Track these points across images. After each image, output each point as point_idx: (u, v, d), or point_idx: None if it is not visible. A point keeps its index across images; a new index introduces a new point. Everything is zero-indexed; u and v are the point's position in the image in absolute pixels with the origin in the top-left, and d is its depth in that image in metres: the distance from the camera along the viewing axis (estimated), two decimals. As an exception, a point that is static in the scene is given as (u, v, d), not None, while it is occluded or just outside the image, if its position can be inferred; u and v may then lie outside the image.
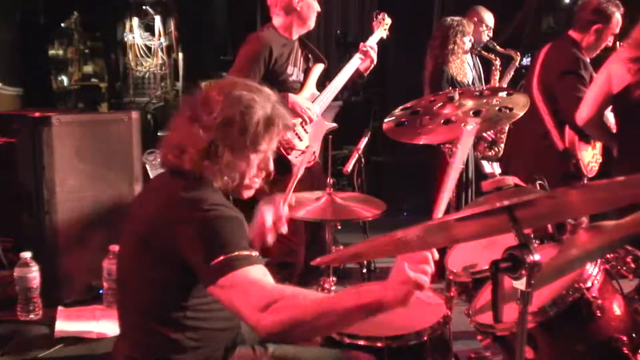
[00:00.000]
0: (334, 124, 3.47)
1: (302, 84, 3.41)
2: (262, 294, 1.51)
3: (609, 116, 3.51)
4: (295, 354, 1.91)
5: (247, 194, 1.85)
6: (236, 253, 1.56)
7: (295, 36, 3.39)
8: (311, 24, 3.38)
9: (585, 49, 3.50)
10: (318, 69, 3.48)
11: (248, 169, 1.78)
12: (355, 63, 3.48)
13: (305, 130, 3.32)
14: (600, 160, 3.63)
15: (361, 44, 3.53)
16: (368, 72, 3.55)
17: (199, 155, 1.70)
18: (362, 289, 1.52)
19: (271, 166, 1.84)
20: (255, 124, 1.72)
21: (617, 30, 3.51)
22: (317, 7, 3.35)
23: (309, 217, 2.59)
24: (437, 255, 1.51)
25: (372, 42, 3.57)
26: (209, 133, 1.70)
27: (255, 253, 1.61)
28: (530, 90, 3.60)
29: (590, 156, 3.55)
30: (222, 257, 1.54)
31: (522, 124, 3.61)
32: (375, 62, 3.52)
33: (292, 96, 3.23)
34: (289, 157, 3.18)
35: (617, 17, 3.47)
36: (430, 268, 1.47)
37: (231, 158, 1.72)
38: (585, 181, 3.46)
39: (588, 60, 3.51)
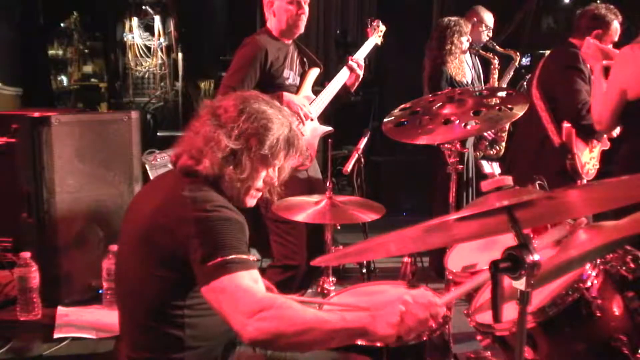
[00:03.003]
0: (330, 128, 3.47)
1: (298, 88, 3.40)
2: (251, 301, 1.53)
3: None
4: (293, 356, 1.92)
5: (250, 202, 1.88)
6: (233, 256, 1.57)
7: (288, 40, 3.38)
8: (295, 28, 3.32)
9: None
10: (314, 73, 3.47)
11: (257, 181, 1.82)
12: (345, 74, 3.47)
13: (301, 132, 3.31)
14: (598, 167, 3.65)
15: (348, 57, 3.51)
16: (355, 87, 3.52)
17: (223, 161, 1.73)
18: (351, 313, 1.54)
19: (276, 181, 1.88)
20: (276, 140, 1.78)
21: (616, 38, 3.53)
22: (294, 9, 3.29)
23: (308, 220, 2.59)
24: (440, 316, 1.53)
25: (360, 55, 3.53)
26: (236, 142, 1.74)
27: (252, 257, 1.62)
28: (530, 90, 3.62)
29: (587, 157, 3.56)
30: (218, 259, 1.56)
31: (522, 125, 3.64)
32: (360, 78, 3.49)
33: (286, 94, 3.22)
34: None
35: (616, 25, 3.51)
36: (426, 328, 1.48)
37: (250, 168, 1.77)
38: (581, 182, 3.46)
39: (589, 67, 3.53)
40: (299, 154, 1.88)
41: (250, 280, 1.57)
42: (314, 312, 1.58)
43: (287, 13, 3.26)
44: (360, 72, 3.46)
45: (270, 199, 1.94)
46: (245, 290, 1.54)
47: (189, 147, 1.77)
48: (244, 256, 1.59)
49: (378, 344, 2.00)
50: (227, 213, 1.65)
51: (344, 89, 3.48)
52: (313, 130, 3.40)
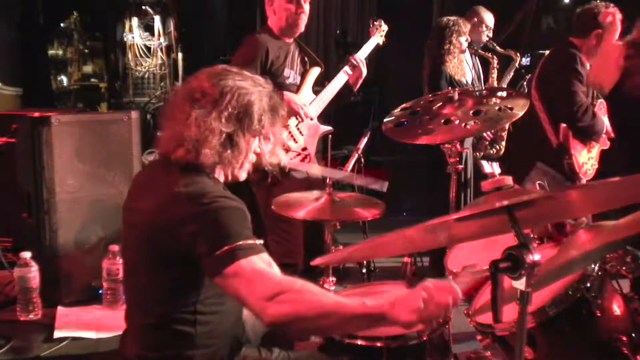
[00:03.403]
0: (329, 127, 3.47)
1: (299, 87, 3.40)
2: (268, 284, 1.52)
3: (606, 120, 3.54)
4: (298, 358, 1.92)
5: (243, 176, 1.86)
6: (240, 242, 1.56)
7: (289, 38, 3.38)
8: (294, 26, 3.32)
9: (586, 53, 3.53)
10: (314, 72, 3.47)
11: (250, 154, 1.81)
12: (344, 75, 3.47)
13: (300, 132, 3.32)
14: (597, 167, 3.65)
15: (349, 57, 3.51)
16: (358, 85, 3.52)
17: (221, 147, 1.71)
18: (370, 299, 1.53)
19: (266, 151, 1.86)
20: (262, 111, 1.76)
21: (617, 36, 3.53)
22: (292, 9, 3.27)
23: (307, 217, 2.59)
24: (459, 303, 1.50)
25: (362, 54, 3.54)
26: (228, 124, 1.71)
27: (259, 241, 1.62)
28: (530, 90, 3.62)
29: (585, 158, 3.56)
30: (226, 248, 1.55)
31: (522, 125, 3.64)
32: (364, 76, 3.49)
33: (287, 94, 3.22)
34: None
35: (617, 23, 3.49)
36: (447, 315, 1.47)
37: (245, 145, 1.76)
38: (580, 182, 3.47)
39: (589, 65, 3.53)
40: (286, 117, 1.87)
41: (263, 263, 1.57)
42: (334, 297, 1.57)
43: (286, 12, 3.26)
44: (364, 70, 3.46)
45: (266, 168, 1.94)
46: (261, 273, 1.54)
47: (180, 139, 1.72)
48: (251, 241, 1.59)
49: (378, 344, 2.00)
50: (225, 202, 1.64)
51: (347, 87, 3.49)
52: (313, 130, 3.40)
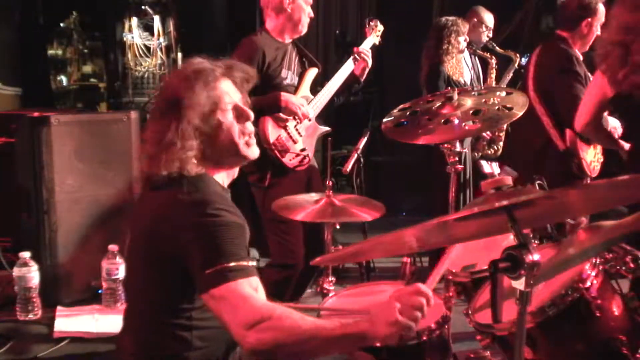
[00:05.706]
0: (328, 128, 3.47)
1: (296, 88, 3.40)
2: (250, 311, 1.53)
3: (609, 120, 3.51)
4: None
5: (252, 150, 1.83)
6: (233, 264, 1.56)
7: (288, 39, 3.38)
8: (302, 27, 3.34)
9: (578, 44, 3.50)
10: (312, 72, 3.47)
11: (232, 129, 1.77)
12: (349, 67, 3.47)
13: (299, 132, 3.32)
14: (602, 160, 3.63)
15: (355, 48, 3.52)
16: (364, 76, 3.53)
17: (202, 149, 1.72)
18: (349, 320, 1.55)
19: (248, 111, 1.82)
20: (219, 93, 1.75)
21: (604, 19, 3.48)
22: (308, 10, 3.30)
23: (307, 220, 2.59)
24: (432, 302, 1.54)
25: (366, 46, 3.56)
26: (200, 132, 1.71)
27: (252, 263, 1.62)
28: (527, 92, 3.59)
29: (592, 156, 3.54)
30: (217, 267, 1.55)
31: (520, 126, 3.62)
32: (370, 65, 3.50)
33: (284, 94, 3.22)
34: (284, 159, 3.19)
35: (601, 7, 3.45)
36: (424, 315, 1.50)
37: (223, 135, 1.74)
38: (588, 180, 3.45)
39: (581, 57, 3.51)
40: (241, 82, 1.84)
41: (250, 288, 1.57)
42: (313, 321, 1.58)
43: (305, 14, 3.28)
44: (369, 61, 3.47)
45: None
46: (245, 299, 1.54)
47: (164, 153, 1.69)
48: (244, 262, 1.59)
49: (378, 344, 2.00)
50: (226, 217, 1.63)
51: (353, 77, 3.49)
52: (311, 130, 3.40)
